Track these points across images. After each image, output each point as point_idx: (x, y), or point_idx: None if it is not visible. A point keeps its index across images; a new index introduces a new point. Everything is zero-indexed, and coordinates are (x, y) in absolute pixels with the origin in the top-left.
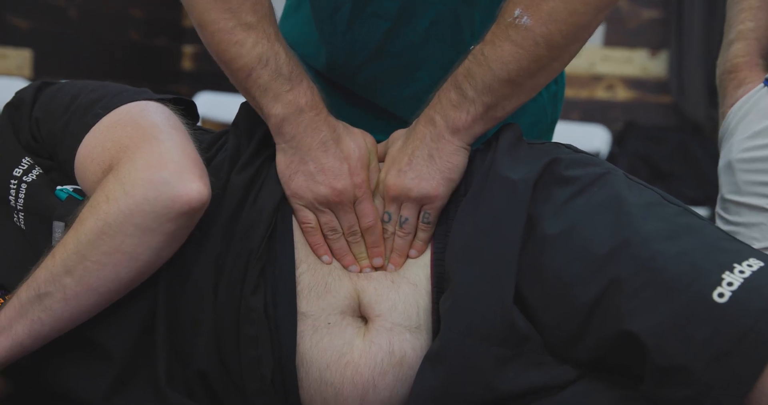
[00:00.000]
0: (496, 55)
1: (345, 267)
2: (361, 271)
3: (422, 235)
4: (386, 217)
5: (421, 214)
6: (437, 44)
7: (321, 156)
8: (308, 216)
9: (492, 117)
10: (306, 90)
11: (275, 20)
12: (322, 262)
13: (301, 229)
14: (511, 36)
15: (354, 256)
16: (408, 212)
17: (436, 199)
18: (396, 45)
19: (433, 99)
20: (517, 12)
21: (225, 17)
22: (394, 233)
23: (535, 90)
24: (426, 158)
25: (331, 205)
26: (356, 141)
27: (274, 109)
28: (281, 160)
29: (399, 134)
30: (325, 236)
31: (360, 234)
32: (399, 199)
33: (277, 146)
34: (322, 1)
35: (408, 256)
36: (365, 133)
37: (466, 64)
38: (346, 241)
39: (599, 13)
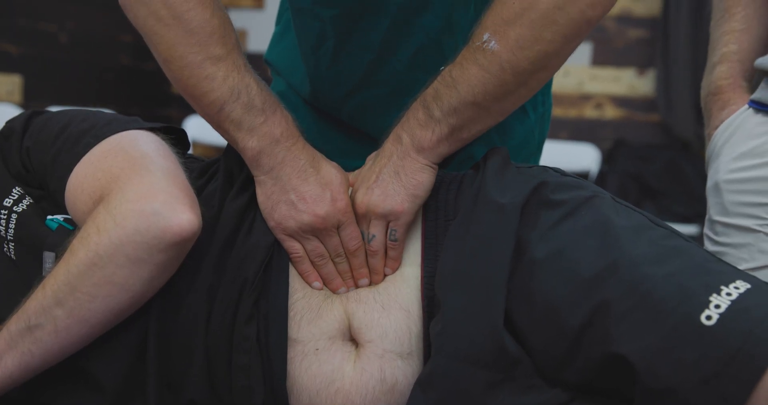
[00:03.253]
0: (463, 77)
1: (333, 291)
2: (347, 291)
3: (392, 253)
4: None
5: (389, 231)
6: (422, 73)
7: (301, 184)
8: (295, 246)
9: (458, 138)
10: (280, 120)
11: (242, 51)
12: (313, 288)
13: (290, 259)
14: (478, 60)
15: (341, 277)
16: (375, 229)
17: (401, 214)
18: (380, 75)
19: (402, 117)
20: (485, 36)
21: (193, 51)
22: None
23: (502, 114)
24: (392, 175)
25: (316, 231)
26: (336, 167)
27: (250, 143)
28: (261, 193)
29: (371, 156)
30: (312, 262)
31: (344, 255)
32: (366, 217)
33: (256, 179)
34: (305, 37)
35: (384, 274)
36: (339, 166)
37: (435, 85)
38: (333, 262)
39: (568, 42)
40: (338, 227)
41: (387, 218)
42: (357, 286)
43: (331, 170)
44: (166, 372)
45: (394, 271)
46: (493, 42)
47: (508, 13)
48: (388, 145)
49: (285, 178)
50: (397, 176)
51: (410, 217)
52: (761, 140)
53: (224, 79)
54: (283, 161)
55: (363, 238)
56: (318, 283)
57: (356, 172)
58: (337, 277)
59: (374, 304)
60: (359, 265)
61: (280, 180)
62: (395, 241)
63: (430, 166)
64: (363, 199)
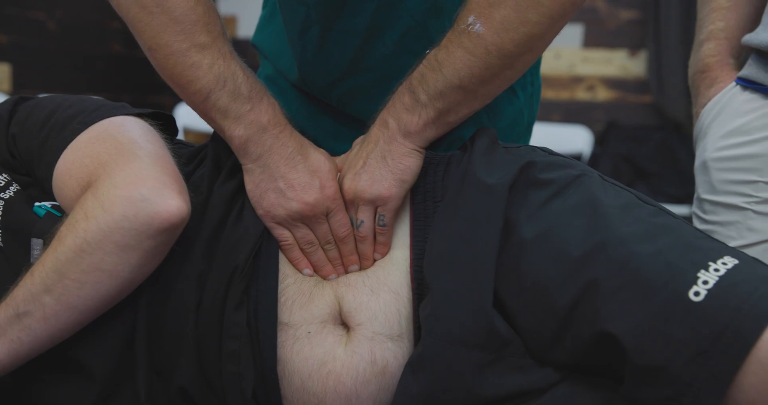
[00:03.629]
0: (448, 61)
1: (324, 278)
2: (338, 277)
3: (380, 238)
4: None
5: (377, 217)
6: (409, 57)
7: (289, 172)
8: (284, 233)
9: (444, 122)
10: (267, 107)
11: (228, 38)
12: (304, 275)
13: (279, 246)
14: (463, 43)
15: (331, 263)
16: (363, 215)
17: (388, 199)
18: (368, 60)
19: (388, 101)
20: (470, 19)
21: (178, 39)
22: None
23: (488, 97)
24: (379, 160)
25: (305, 218)
26: (324, 154)
27: (237, 131)
28: (249, 181)
29: (358, 141)
30: (302, 249)
31: (334, 242)
32: (354, 202)
33: (244, 167)
34: (291, 22)
35: (373, 259)
36: (327, 153)
37: (420, 69)
38: (322, 249)
39: (554, 23)
40: (327, 214)
41: (375, 203)
42: (347, 272)
43: (319, 157)
44: (155, 360)
45: (384, 255)
46: (478, 24)
47: None
48: (375, 130)
49: (273, 165)
50: (384, 161)
51: (398, 201)
52: (749, 117)
53: (210, 67)
54: (270, 149)
55: (352, 225)
56: (308, 270)
57: (342, 157)
58: (327, 263)
59: (363, 287)
60: (349, 251)
61: (268, 168)
62: (384, 226)
63: (417, 151)
64: (350, 185)
